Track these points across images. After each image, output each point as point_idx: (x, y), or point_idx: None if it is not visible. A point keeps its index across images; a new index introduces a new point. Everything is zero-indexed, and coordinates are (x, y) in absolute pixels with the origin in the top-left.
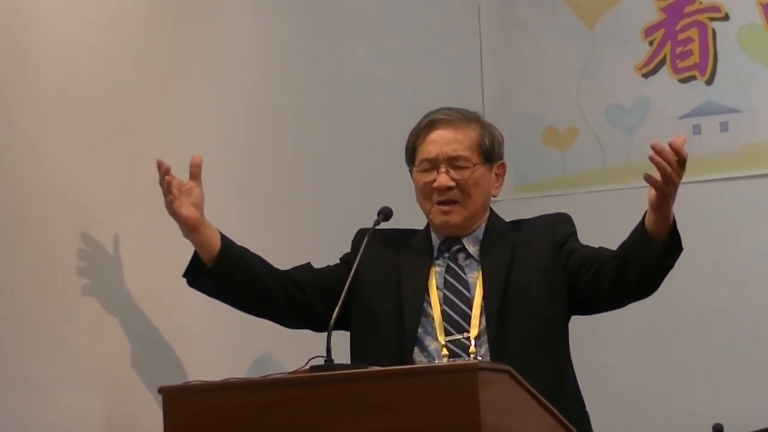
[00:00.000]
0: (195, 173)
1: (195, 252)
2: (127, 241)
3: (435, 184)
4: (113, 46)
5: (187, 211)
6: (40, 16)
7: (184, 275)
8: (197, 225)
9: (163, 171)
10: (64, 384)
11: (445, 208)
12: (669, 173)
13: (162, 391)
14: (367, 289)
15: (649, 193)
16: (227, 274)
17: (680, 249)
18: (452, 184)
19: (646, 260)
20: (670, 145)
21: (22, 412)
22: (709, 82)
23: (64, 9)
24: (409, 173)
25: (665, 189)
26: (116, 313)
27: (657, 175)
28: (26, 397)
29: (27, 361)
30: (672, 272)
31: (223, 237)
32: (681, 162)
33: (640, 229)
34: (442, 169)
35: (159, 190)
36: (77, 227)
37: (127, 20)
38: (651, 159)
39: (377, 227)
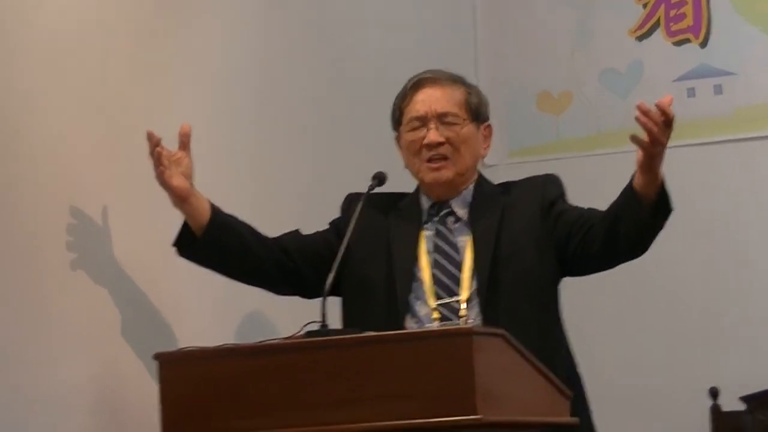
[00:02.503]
0: (184, 143)
1: (185, 221)
2: (116, 212)
3: (425, 141)
4: (110, 17)
5: (177, 181)
6: None
7: (174, 244)
8: (187, 195)
9: (154, 142)
10: (55, 356)
11: (434, 165)
12: (656, 134)
13: (158, 357)
14: (358, 255)
15: (637, 154)
16: (217, 243)
17: (670, 210)
18: (442, 139)
19: (635, 221)
20: (657, 106)
21: (14, 385)
22: (703, 44)
23: None
24: (395, 140)
25: (652, 150)
26: (106, 284)
27: (645, 137)
28: (17, 370)
29: (17, 333)
30: (665, 234)
31: (212, 206)
32: (668, 122)
33: (629, 190)
34: (432, 126)
35: (148, 161)
36: (66, 199)
37: None
38: (637, 120)
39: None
